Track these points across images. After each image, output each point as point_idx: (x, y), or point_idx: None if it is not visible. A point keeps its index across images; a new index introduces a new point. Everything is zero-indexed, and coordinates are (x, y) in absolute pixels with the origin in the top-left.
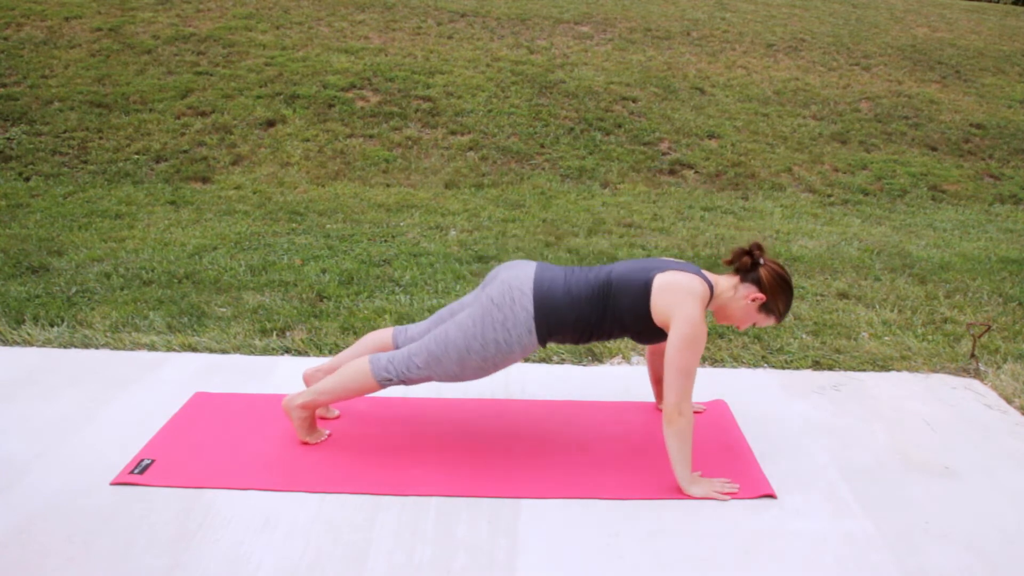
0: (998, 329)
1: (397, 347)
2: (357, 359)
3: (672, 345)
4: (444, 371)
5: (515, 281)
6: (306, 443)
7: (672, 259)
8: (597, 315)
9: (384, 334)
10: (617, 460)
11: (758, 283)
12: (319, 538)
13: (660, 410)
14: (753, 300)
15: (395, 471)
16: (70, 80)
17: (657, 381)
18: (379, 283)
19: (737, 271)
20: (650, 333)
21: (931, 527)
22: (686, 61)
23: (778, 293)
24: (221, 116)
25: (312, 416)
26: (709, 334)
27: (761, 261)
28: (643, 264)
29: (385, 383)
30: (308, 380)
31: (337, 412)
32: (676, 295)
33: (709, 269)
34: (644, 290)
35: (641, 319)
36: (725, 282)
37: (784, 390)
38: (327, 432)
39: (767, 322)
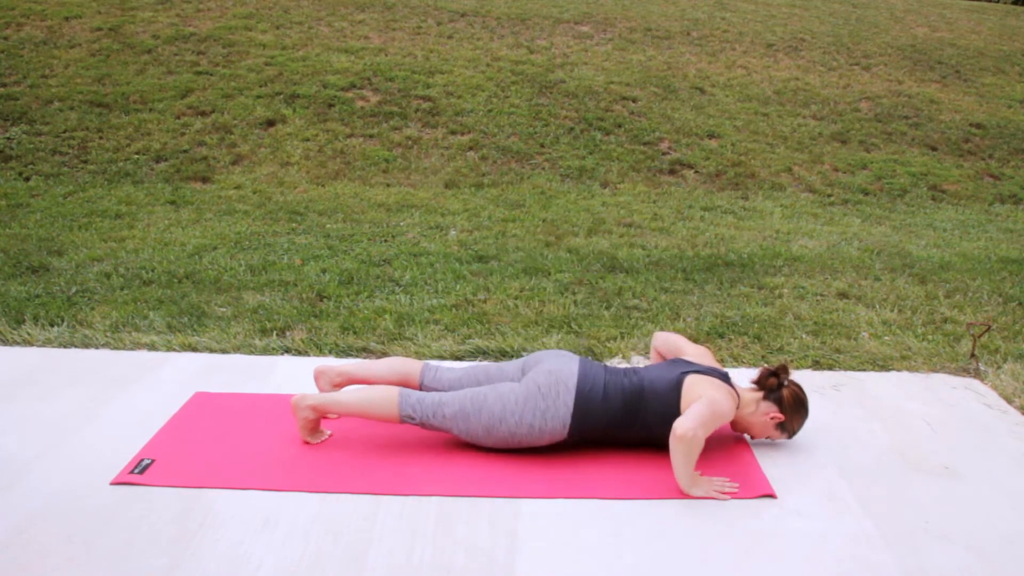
0: (998, 329)
1: (423, 383)
2: (387, 387)
3: (698, 404)
4: (468, 430)
5: (562, 375)
6: (307, 443)
7: (703, 364)
8: (628, 420)
9: (413, 365)
10: (617, 460)
11: (779, 403)
12: (319, 538)
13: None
14: (772, 418)
15: (395, 471)
16: (70, 80)
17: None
18: (379, 283)
19: (761, 388)
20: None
21: (931, 527)
22: (686, 61)
23: (796, 415)
24: (221, 116)
25: (318, 419)
26: (709, 337)
27: (785, 383)
28: (674, 369)
29: (406, 420)
30: (319, 376)
31: (329, 433)
32: (706, 388)
33: (709, 270)
34: (675, 389)
35: (669, 420)
36: (748, 396)
37: None
38: (328, 432)
39: (779, 438)
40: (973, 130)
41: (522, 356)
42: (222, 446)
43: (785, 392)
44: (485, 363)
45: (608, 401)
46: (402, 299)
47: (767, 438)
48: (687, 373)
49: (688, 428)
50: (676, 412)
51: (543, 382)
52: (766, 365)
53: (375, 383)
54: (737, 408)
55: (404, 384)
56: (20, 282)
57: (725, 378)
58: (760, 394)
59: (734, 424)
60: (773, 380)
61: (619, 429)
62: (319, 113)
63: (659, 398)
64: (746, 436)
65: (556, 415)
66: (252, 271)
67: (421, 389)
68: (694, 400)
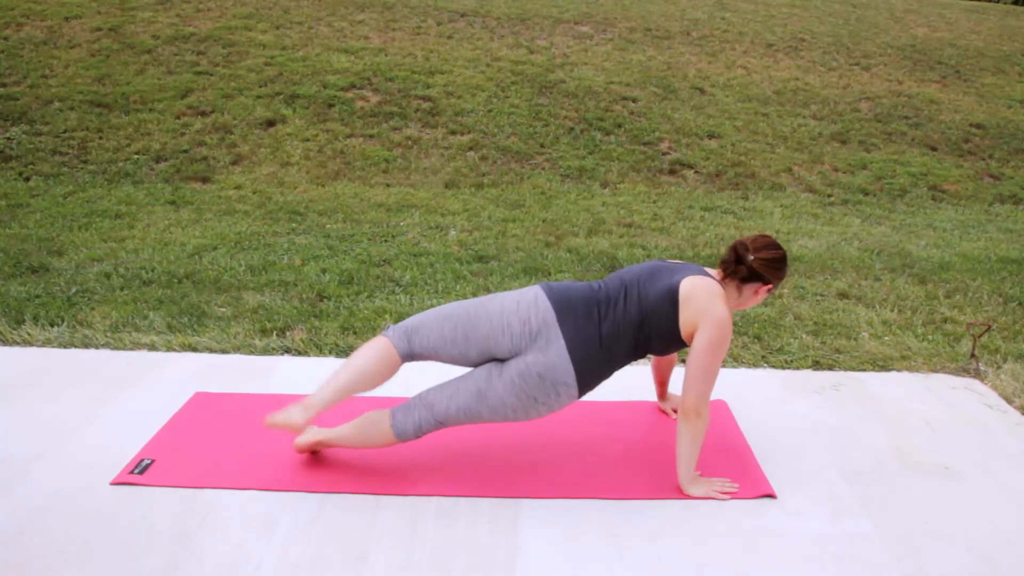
0: (998, 329)
1: (401, 352)
2: (376, 415)
3: (699, 347)
4: (471, 421)
5: (556, 375)
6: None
7: (678, 262)
8: (632, 353)
9: (383, 351)
10: (617, 460)
11: (759, 278)
12: (319, 538)
13: (661, 411)
14: (758, 292)
15: (395, 471)
16: (70, 80)
17: (661, 383)
18: (379, 283)
19: (736, 277)
20: (673, 346)
21: (931, 527)
22: (686, 61)
23: (778, 273)
24: (221, 116)
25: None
26: None
27: (751, 258)
28: (662, 278)
29: (405, 441)
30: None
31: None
32: (702, 299)
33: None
34: (672, 304)
35: (668, 338)
36: (730, 288)
37: (784, 390)
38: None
39: (772, 292)
40: (973, 130)
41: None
42: (222, 446)
43: (757, 266)
44: (468, 308)
45: (612, 362)
46: (402, 299)
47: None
48: (678, 281)
49: (690, 406)
50: (675, 331)
51: (539, 394)
52: (723, 256)
53: (358, 387)
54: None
55: (387, 371)
56: (20, 282)
57: (704, 273)
58: (736, 282)
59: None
60: (742, 268)
61: (624, 362)
62: (319, 113)
63: (659, 324)
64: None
65: (561, 404)
66: (252, 271)
67: (405, 359)
68: (691, 319)
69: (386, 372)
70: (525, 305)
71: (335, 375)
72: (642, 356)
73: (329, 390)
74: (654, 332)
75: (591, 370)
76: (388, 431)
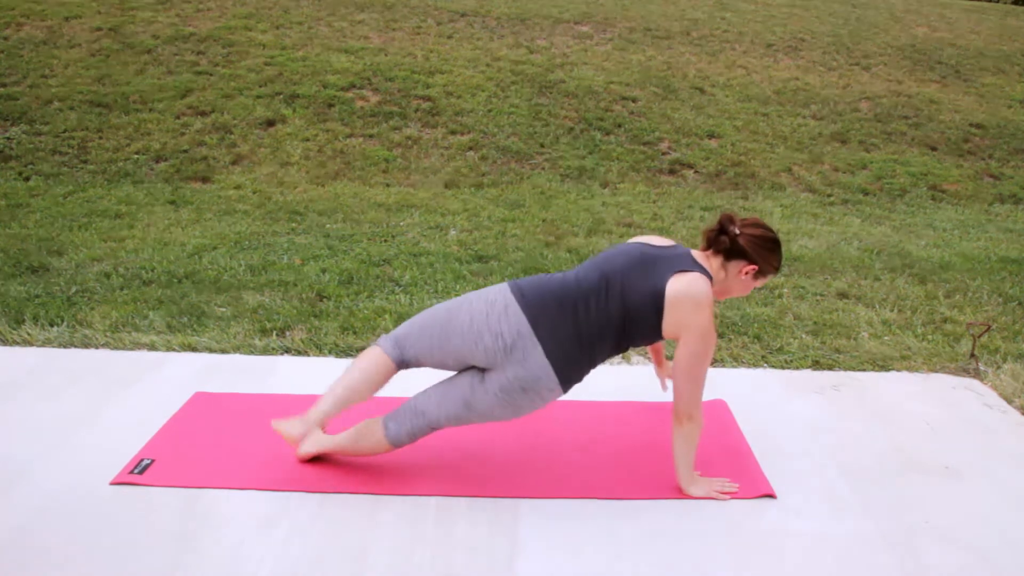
0: (998, 329)
1: (395, 359)
2: (370, 425)
3: (682, 359)
4: (462, 424)
5: (539, 385)
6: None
7: (661, 246)
8: (613, 349)
9: (378, 361)
10: (617, 460)
11: (744, 256)
12: (319, 538)
13: (660, 378)
14: (747, 273)
15: (395, 471)
16: (70, 80)
17: (656, 351)
18: (379, 283)
19: (719, 251)
20: (656, 338)
21: (931, 527)
22: (686, 61)
23: (767, 255)
24: (221, 116)
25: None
26: None
27: (737, 232)
28: (649, 282)
29: (401, 447)
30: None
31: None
32: (687, 311)
33: None
34: (656, 308)
35: (650, 334)
36: (714, 263)
37: (784, 390)
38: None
39: (766, 281)
40: (973, 130)
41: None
42: (222, 446)
43: (743, 241)
44: (436, 324)
45: (594, 359)
46: (402, 299)
47: (756, 288)
48: (663, 284)
49: (681, 410)
50: (657, 330)
51: (524, 402)
52: (707, 227)
53: (355, 397)
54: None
55: (381, 379)
56: (20, 282)
57: (693, 266)
58: (721, 257)
59: (717, 295)
60: (724, 239)
61: (608, 355)
62: (319, 113)
63: (641, 321)
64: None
65: (545, 402)
66: (252, 271)
67: (400, 366)
68: (674, 325)
69: (381, 380)
70: (495, 317)
71: (332, 387)
72: (625, 351)
73: (327, 403)
74: (636, 332)
75: (574, 370)
76: (382, 439)
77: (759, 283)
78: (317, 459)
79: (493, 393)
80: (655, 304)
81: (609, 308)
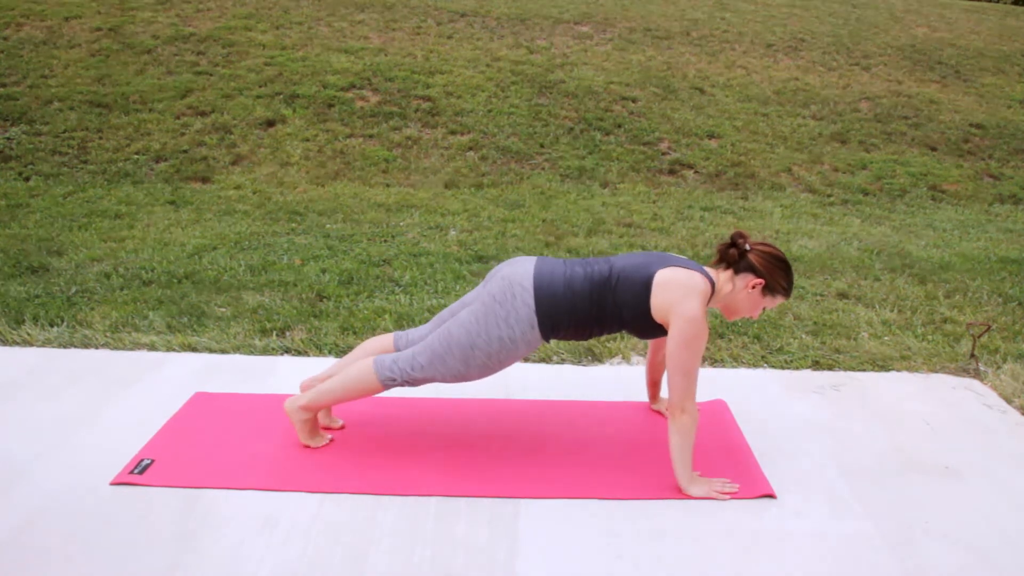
0: (998, 329)
1: (398, 351)
2: (360, 361)
3: (672, 343)
4: (449, 370)
5: (515, 276)
6: (308, 447)
7: (673, 255)
8: (597, 309)
9: (384, 339)
10: (617, 460)
11: (752, 269)
12: (319, 538)
13: (654, 411)
14: (753, 287)
15: (395, 471)
16: (70, 80)
17: (653, 384)
18: (379, 283)
19: (728, 265)
20: (650, 329)
21: (931, 527)
22: (686, 61)
23: (775, 272)
24: (221, 116)
25: (314, 419)
26: (710, 334)
27: (748, 247)
28: (644, 259)
29: (389, 384)
30: (305, 390)
31: (341, 422)
32: (676, 292)
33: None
34: (644, 286)
35: (641, 316)
36: (722, 276)
37: (784, 390)
38: (329, 436)
39: (775, 302)
40: (973, 130)
41: None
42: (222, 446)
43: (752, 256)
44: (450, 305)
45: (573, 291)
46: (402, 299)
47: (765, 309)
48: (656, 268)
49: (674, 404)
50: (646, 307)
51: (496, 290)
52: (719, 241)
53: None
54: (712, 297)
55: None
56: (20, 282)
57: (697, 268)
58: (731, 271)
59: (725, 312)
60: (734, 252)
61: (592, 319)
62: (319, 113)
63: (629, 290)
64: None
65: (519, 318)
66: (252, 271)
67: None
68: (662, 305)
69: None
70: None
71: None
72: (614, 325)
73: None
74: (621, 296)
75: (550, 293)
76: (371, 372)
77: (767, 303)
78: (317, 459)
79: (471, 311)
80: (644, 282)
81: (600, 267)
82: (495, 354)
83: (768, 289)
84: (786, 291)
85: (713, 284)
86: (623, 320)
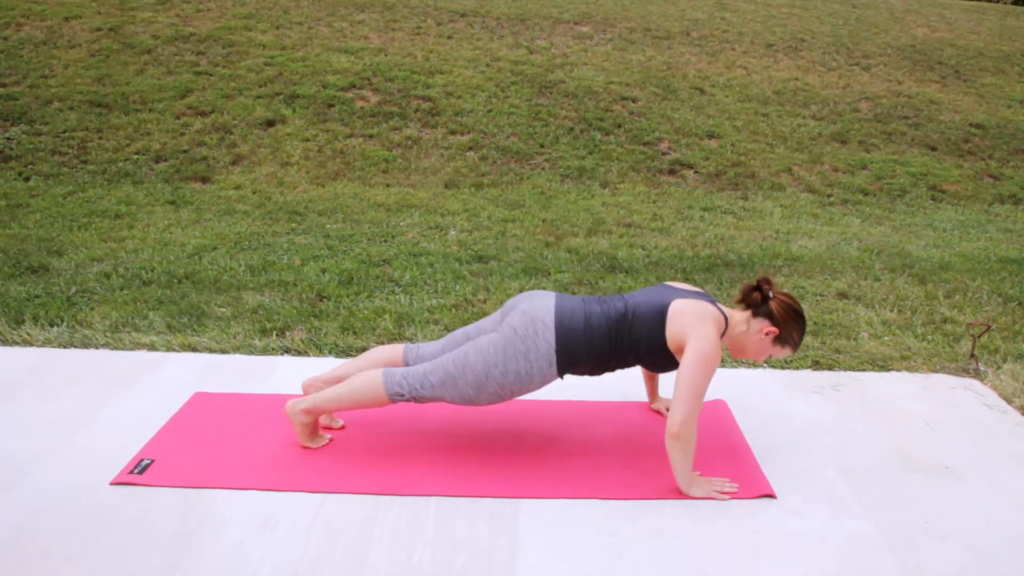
0: (998, 329)
1: (407, 364)
2: (369, 371)
3: (686, 361)
4: (459, 393)
5: (537, 312)
6: (307, 448)
7: (687, 287)
8: (614, 346)
9: (394, 350)
10: (617, 460)
11: (770, 316)
12: (319, 538)
13: (654, 411)
14: (767, 333)
15: (395, 471)
16: (70, 80)
17: (650, 377)
18: (379, 283)
19: (748, 306)
20: (664, 362)
21: (931, 527)
22: (686, 61)
23: (791, 324)
24: (221, 116)
25: (315, 422)
26: None
27: (771, 295)
28: (659, 291)
29: (396, 398)
30: (307, 390)
31: (341, 422)
32: (691, 317)
33: (709, 270)
34: (659, 318)
35: (656, 348)
36: (738, 316)
37: (784, 390)
38: (329, 436)
39: (783, 353)
40: (973, 130)
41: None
42: (222, 446)
43: (774, 304)
44: (464, 327)
45: (591, 329)
46: (402, 299)
47: (770, 356)
48: (671, 299)
49: (677, 422)
50: (662, 338)
51: (519, 324)
52: (745, 283)
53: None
54: (726, 331)
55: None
56: (20, 282)
57: (711, 300)
58: (749, 312)
59: (732, 350)
60: (757, 295)
61: (608, 355)
62: (319, 113)
63: (644, 322)
64: (744, 437)
65: (539, 354)
66: (252, 271)
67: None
68: (678, 332)
69: (381, 360)
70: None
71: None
72: (629, 359)
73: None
74: (637, 330)
75: (570, 331)
76: (380, 384)
77: (775, 351)
78: (317, 459)
79: (490, 340)
80: (660, 312)
81: (615, 304)
82: (508, 385)
83: (780, 339)
84: (796, 345)
85: (727, 319)
86: (639, 354)
